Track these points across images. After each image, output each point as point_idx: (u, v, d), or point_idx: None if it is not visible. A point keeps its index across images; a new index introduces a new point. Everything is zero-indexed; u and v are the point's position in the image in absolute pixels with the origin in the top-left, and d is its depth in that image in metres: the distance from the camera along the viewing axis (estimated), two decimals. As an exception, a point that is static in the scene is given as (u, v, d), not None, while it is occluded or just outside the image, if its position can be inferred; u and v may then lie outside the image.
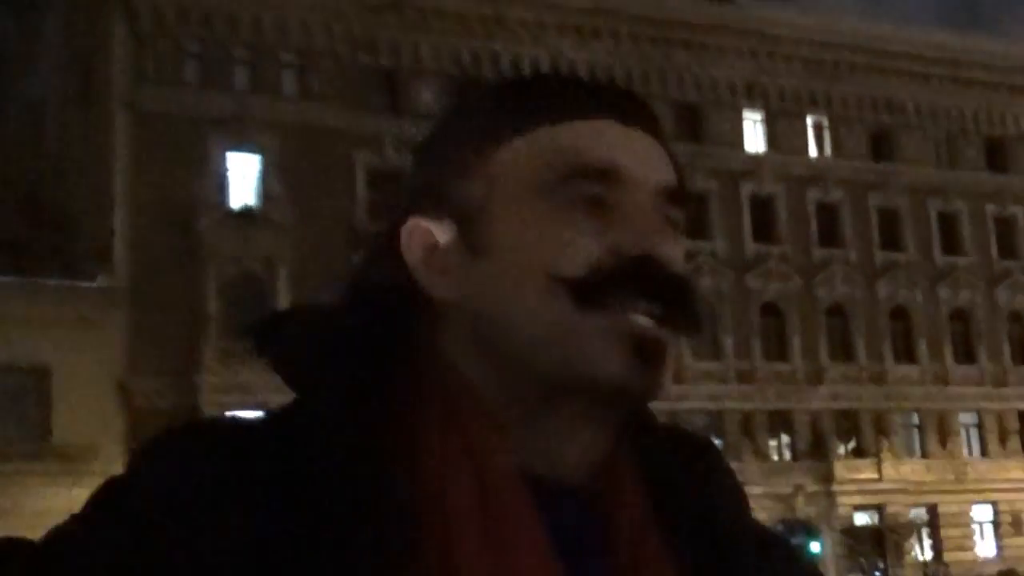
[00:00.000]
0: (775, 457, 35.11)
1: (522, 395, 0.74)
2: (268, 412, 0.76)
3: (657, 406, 0.79)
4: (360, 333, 0.75)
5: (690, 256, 32.26)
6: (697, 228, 33.76)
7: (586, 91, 0.79)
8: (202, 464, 0.70)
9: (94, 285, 27.87)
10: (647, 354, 0.71)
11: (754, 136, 37.62)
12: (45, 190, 31.48)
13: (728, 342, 34.70)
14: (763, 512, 28.84)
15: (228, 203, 29.75)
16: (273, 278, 29.53)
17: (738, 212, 36.14)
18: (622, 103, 0.78)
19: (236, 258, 29.14)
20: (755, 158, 36.88)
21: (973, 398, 38.10)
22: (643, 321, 0.71)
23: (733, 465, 0.87)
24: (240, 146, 29.82)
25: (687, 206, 0.78)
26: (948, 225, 39.23)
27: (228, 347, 27.54)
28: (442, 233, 0.76)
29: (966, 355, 38.61)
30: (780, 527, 28.90)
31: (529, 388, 0.74)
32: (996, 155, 40.85)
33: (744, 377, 34.69)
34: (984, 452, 38.09)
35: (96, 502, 0.72)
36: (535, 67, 33.63)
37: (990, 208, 40.03)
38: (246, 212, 29.64)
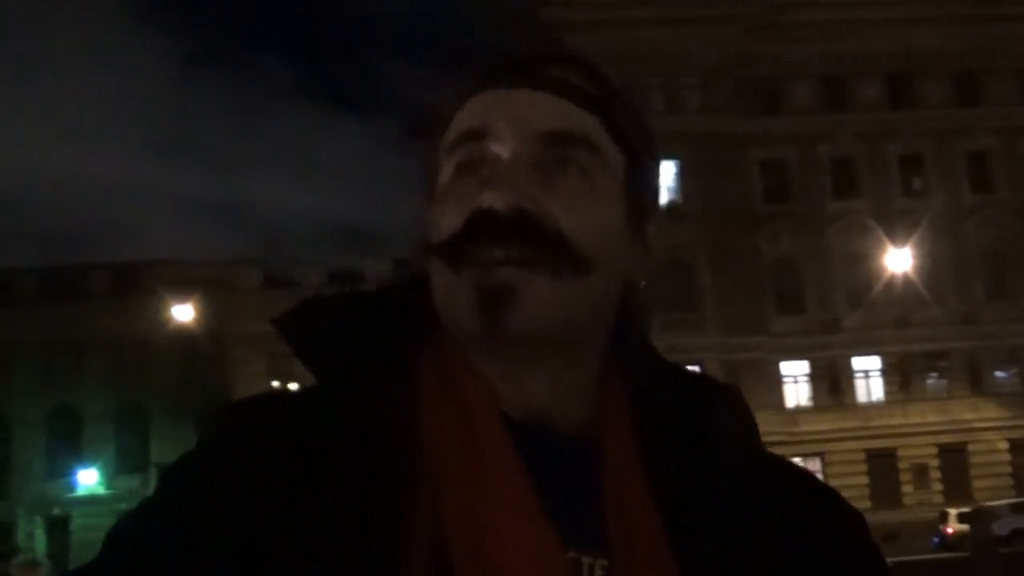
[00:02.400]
0: None
1: (468, 350, 0.82)
2: (291, 390, 0.89)
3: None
4: (369, 318, 0.85)
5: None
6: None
7: (482, 69, 0.86)
8: (252, 424, 0.81)
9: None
10: (488, 298, 0.76)
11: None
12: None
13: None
14: None
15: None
16: (696, 259, 37.34)
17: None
18: (512, 73, 0.84)
19: (667, 247, 37.09)
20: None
21: None
22: (482, 271, 0.76)
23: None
24: (662, 156, 37.61)
25: (589, 147, 0.81)
26: None
27: (667, 318, 35.48)
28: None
29: None
30: None
31: (463, 344, 0.82)
32: None
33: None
34: None
35: (164, 475, 0.82)
36: (887, 58, 39.26)
37: None
38: (669, 209, 37.50)
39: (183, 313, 36.82)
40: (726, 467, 0.82)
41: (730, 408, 0.87)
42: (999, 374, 38.63)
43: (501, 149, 0.81)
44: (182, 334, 40.79)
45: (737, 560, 0.79)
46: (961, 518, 30.19)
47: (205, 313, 37.79)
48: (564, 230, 0.78)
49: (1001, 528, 26.57)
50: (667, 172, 38.20)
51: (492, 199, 0.77)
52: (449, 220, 0.80)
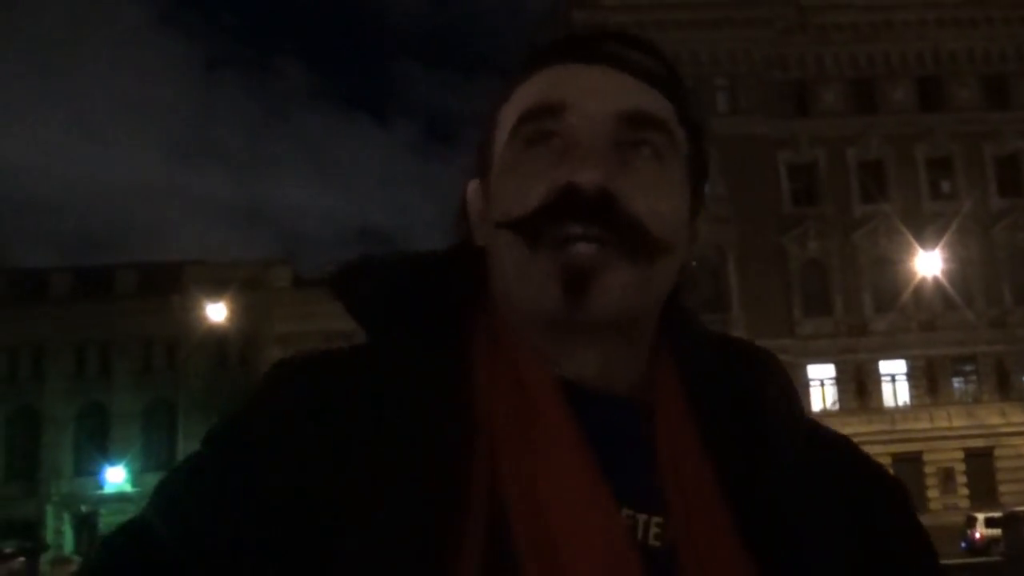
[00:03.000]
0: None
1: (531, 324, 0.81)
2: (343, 347, 0.87)
3: None
4: (422, 279, 0.86)
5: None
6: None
7: (559, 43, 0.85)
8: (306, 383, 0.81)
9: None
10: (579, 281, 0.76)
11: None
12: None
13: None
14: None
15: (684, 205, 37.82)
16: (724, 261, 37.39)
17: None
18: (588, 47, 0.83)
19: (699, 246, 37.11)
20: None
21: None
22: (573, 250, 0.76)
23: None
24: (690, 158, 37.71)
25: (665, 131, 0.81)
26: None
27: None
28: (481, 188, 0.87)
29: None
30: None
31: (527, 319, 0.81)
32: None
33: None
34: None
35: (214, 433, 0.83)
36: (917, 60, 39.29)
37: None
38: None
39: (215, 312, 37.04)
40: (773, 429, 0.84)
41: (773, 373, 0.88)
42: (1028, 378, 38.47)
43: (582, 125, 0.80)
44: (211, 333, 41.08)
45: (788, 519, 0.80)
46: (989, 523, 30.15)
47: (236, 313, 38.02)
48: (642, 214, 0.78)
49: (1032, 533, 26.50)
50: (696, 174, 38.20)
51: (579, 176, 0.77)
52: (524, 194, 0.79)
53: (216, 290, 38.59)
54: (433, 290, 0.85)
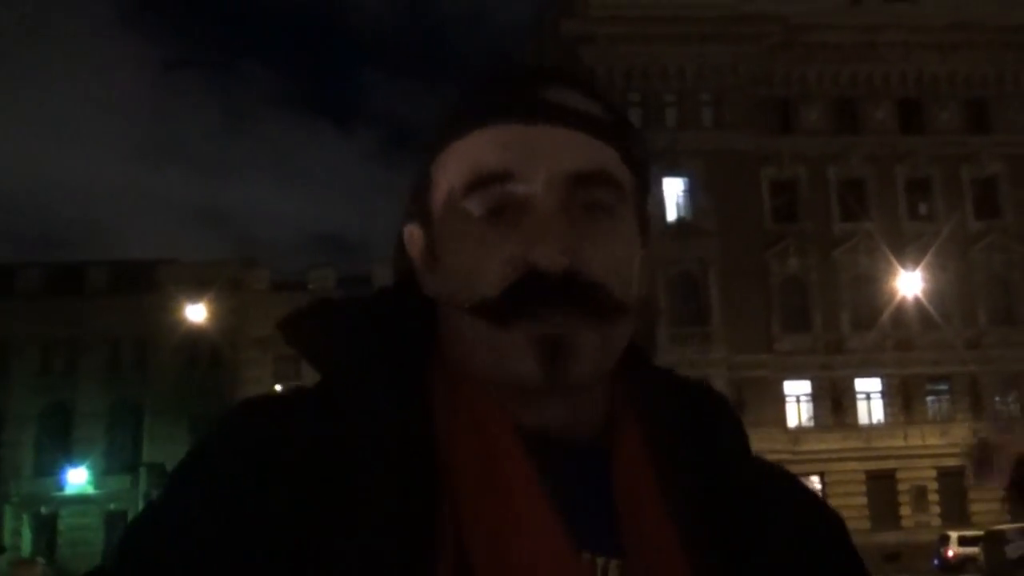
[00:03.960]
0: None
1: (493, 387, 0.81)
2: (304, 388, 0.86)
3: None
4: (380, 321, 0.86)
5: None
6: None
7: (493, 95, 0.83)
8: (269, 427, 0.79)
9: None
10: (549, 353, 0.77)
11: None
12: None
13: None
14: None
15: (667, 217, 37.89)
16: (705, 275, 37.54)
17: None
18: (524, 103, 0.81)
19: (676, 260, 37.28)
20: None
21: None
22: (542, 327, 0.77)
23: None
24: (673, 171, 37.78)
25: (612, 184, 0.81)
26: None
27: (675, 332, 35.92)
28: (422, 237, 0.87)
29: None
30: None
31: (492, 383, 0.81)
32: None
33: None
34: None
35: (175, 478, 0.80)
36: (899, 82, 39.83)
37: None
38: (681, 224, 37.69)
39: (195, 313, 36.49)
40: (728, 470, 0.86)
41: (725, 413, 0.90)
42: (1000, 399, 38.96)
43: (532, 194, 0.79)
44: (183, 334, 40.47)
45: (745, 553, 0.82)
46: (962, 541, 30.40)
47: (212, 314, 37.48)
48: (601, 277, 0.79)
49: (1012, 552, 26.76)
50: (679, 187, 38.35)
51: (540, 257, 0.77)
52: (483, 273, 0.80)
53: (191, 290, 38.06)
54: (390, 337, 0.85)
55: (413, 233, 0.88)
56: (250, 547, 0.74)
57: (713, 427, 0.88)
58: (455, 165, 0.83)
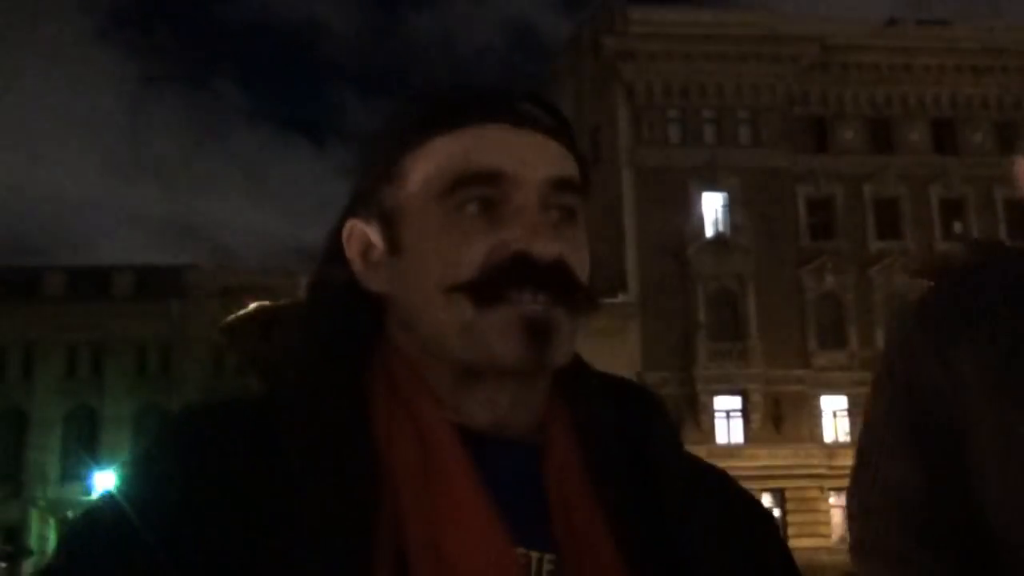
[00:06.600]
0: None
1: (445, 371, 0.85)
2: (249, 396, 0.87)
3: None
4: (319, 325, 0.88)
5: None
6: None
7: (480, 100, 0.87)
8: (210, 434, 0.81)
9: (616, 301, 37.08)
10: (536, 333, 0.81)
11: None
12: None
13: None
14: None
15: (706, 234, 38.18)
16: (744, 291, 37.86)
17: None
18: (514, 108, 0.86)
19: (715, 276, 37.52)
20: None
21: None
22: (529, 308, 0.81)
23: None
24: (712, 187, 38.07)
25: (578, 191, 0.87)
26: None
27: (715, 347, 36.28)
28: (372, 233, 0.87)
29: None
30: None
31: (449, 366, 0.84)
32: None
33: None
34: None
35: (117, 482, 0.82)
36: (933, 103, 40.30)
37: None
38: (720, 240, 38.00)
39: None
40: (660, 465, 0.89)
41: (658, 412, 0.94)
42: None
43: (521, 194, 0.84)
44: (209, 339, 40.47)
45: (677, 549, 0.85)
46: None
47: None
48: (579, 275, 0.86)
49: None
50: (718, 202, 38.71)
51: (534, 247, 0.82)
52: (470, 257, 0.83)
53: (211, 295, 37.94)
54: (328, 340, 0.88)
55: (355, 229, 0.90)
56: (188, 553, 0.76)
57: (646, 425, 0.91)
58: (439, 158, 0.85)
